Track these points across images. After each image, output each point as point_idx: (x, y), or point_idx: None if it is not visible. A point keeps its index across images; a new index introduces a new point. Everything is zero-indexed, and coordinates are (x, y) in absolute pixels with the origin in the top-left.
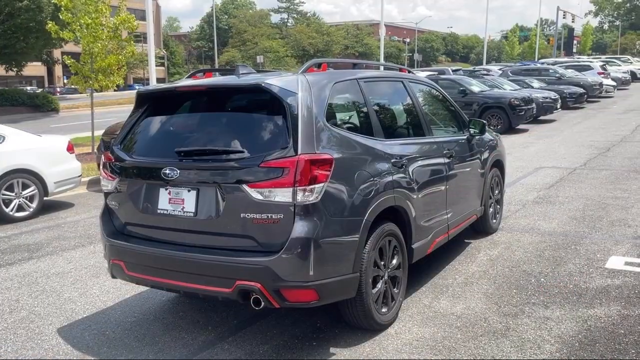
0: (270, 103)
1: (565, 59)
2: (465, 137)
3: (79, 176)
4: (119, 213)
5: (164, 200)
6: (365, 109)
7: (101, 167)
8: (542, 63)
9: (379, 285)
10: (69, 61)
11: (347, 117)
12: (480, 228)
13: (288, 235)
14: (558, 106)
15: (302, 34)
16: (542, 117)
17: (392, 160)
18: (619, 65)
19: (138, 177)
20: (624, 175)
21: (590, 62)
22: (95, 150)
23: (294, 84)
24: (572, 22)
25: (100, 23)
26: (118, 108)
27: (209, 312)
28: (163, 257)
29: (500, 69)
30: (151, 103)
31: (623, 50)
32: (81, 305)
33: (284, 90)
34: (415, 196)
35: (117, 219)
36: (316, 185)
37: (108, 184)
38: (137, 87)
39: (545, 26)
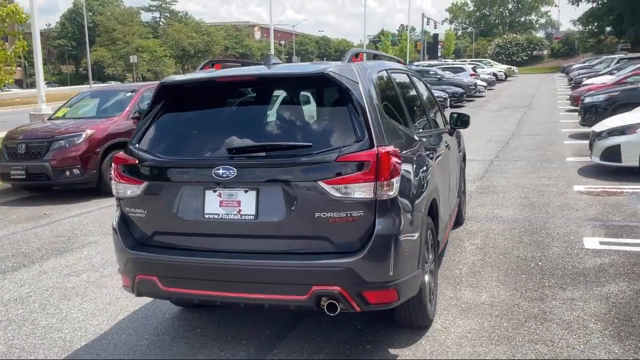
0: (332, 93)
1: (436, 62)
2: (448, 129)
3: None
4: (144, 221)
5: (213, 204)
6: (399, 100)
7: (115, 170)
8: (417, 65)
9: (426, 280)
10: None
11: (390, 108)
12: (455, 218)
13: (368, 234)
14: (447, 104)
15: (180, 33)
16: None
17: (427, 152)
18: (483, 68)
19: (175, 179)
20: (538, 165)
21: (463, 64)
22: None
23: (353, 73)
24: (435, 28)
25: None
26: None
27: (230, 325)
28: (217, 267)
29: None
30: (179, 96)
31: (477, 54)
32: (69, 332)
33: (347, 79)
34: (439, 188)
35: (139, 228)
36: (394, 179)
37: (128, 190)
38: None
39: (406, 32)
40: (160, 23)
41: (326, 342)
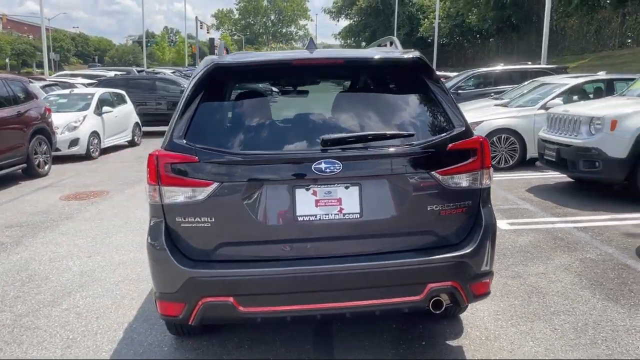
0: (420, 79)
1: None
2: None
3: None
4: (205, 232)
5: (307, 204)
6: None
7: (162, 172)
8: None
9: None
10: None
11: None
12: None
13: (472, 224)
14: None
15: None
16: None
17: None
18: None
19: (257, 178)
20: None
21: None
22: None
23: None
24: (208, 32)
25: None
26: None
27: (259, 346)
28: (321, 276)
29: (173, 72)
30: (238, 81)
31: None
32: None
33: (430, 66)
34: None
35: (195, 241)
36: (491, 167)
37: (181, 195)
38: None
39: (172, 34)
40: None
41: (379, 347)
